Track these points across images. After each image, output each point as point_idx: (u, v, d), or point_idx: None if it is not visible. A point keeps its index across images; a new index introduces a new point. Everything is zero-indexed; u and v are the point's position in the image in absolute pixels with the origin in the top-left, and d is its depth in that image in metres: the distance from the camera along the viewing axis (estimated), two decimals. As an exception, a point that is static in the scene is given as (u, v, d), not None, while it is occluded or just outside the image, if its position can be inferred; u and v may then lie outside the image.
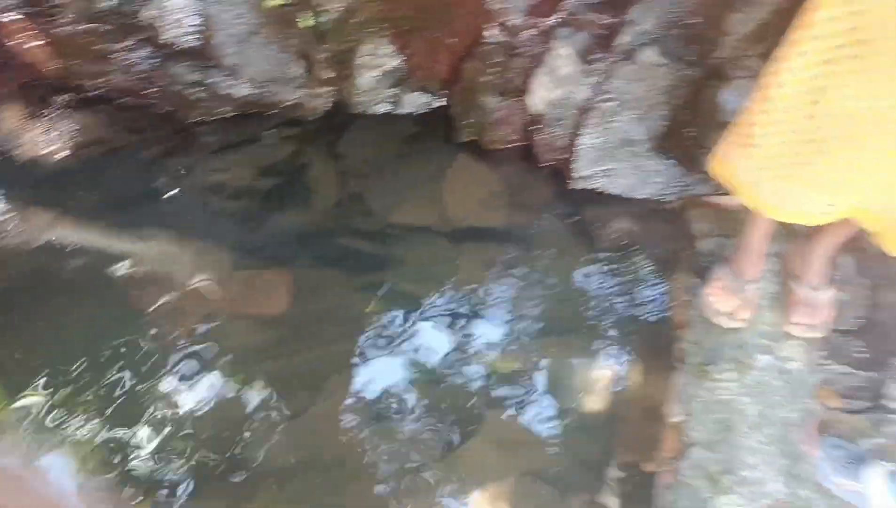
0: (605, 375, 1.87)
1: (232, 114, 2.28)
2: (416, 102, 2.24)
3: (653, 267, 2.00)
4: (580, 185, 2.06)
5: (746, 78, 1.75)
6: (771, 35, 1.66)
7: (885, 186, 1.29)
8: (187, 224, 2.12)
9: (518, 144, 2.16)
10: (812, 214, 1.38)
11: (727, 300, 1.73)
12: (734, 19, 1.72)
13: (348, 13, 2.03)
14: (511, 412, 1.81)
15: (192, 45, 2.06)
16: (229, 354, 1.88)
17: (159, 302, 1.96)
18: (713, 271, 1.78)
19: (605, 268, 2.02)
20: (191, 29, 2.04)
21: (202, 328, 1.92)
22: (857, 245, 1.81)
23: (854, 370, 1.95)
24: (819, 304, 1.70)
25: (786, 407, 1.66)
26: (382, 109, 2.26)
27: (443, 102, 2.24)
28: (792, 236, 1.78)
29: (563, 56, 1.93)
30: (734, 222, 1.85)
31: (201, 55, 2.10)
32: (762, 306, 1.76)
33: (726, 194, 1.76)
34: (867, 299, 1.91)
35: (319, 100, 2.22)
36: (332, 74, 2.16)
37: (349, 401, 1.82)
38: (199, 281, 2.00)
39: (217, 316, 1.94)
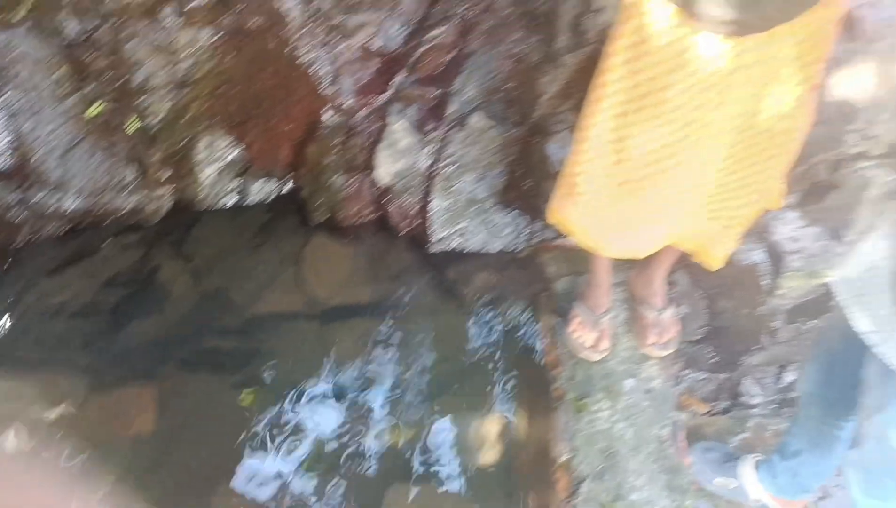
0: (495, 427, 1.90)
1: (64, 230, 2.13)
2: (263, 189, 2.22)
3: (519, 314, 2.09)
4: (438, 247, 2.13)
5: (565, 130, 1.91)
6: (577, 91, 1.84)
7: (691, 214, 1.46)
8: (27, 355, 1.93)
9: (373, 216, 2.19)
10: (639, 248, 1.52)
11: (588, 334, 1.84)
12: (543, 81, 1.89)
13: (177, 112, 2.00)
14: (413, 482, 1.78)
15: (7, 165, 1.92)
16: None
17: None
18: (571, 308, 1.90)
19: (477, 322, 2.08)
20: (3, 149, 1.90)
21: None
22: (688, 261, 2.01)
23: (710, 375, 2.13)
24: (665, 323, 1.85)
25: (657, 424, 1.78)
26: (230, 201, 2.22)
27: (292, 185, 2.24)
28: (632, 265, 1.94)
29: (400, 130, 2.01)
30: (581, 260, 1.99)
31: (20, 174, 1.96)
32: (619, 334, 1.89)
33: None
34: (706, 308, 2.11)
35: (159, 202, 2.13)
36: (170, 174, 2.09)
37: (244, 506, 1.72)
38: (52, 413, 1.82)
39: (79, 447, 1.76)
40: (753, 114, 1.29)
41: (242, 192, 2.20)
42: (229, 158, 2.12)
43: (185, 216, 2.21)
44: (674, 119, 1.29)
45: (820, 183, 1.95)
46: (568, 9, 1.86)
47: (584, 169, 1.45)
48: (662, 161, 1.34)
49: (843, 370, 1.34)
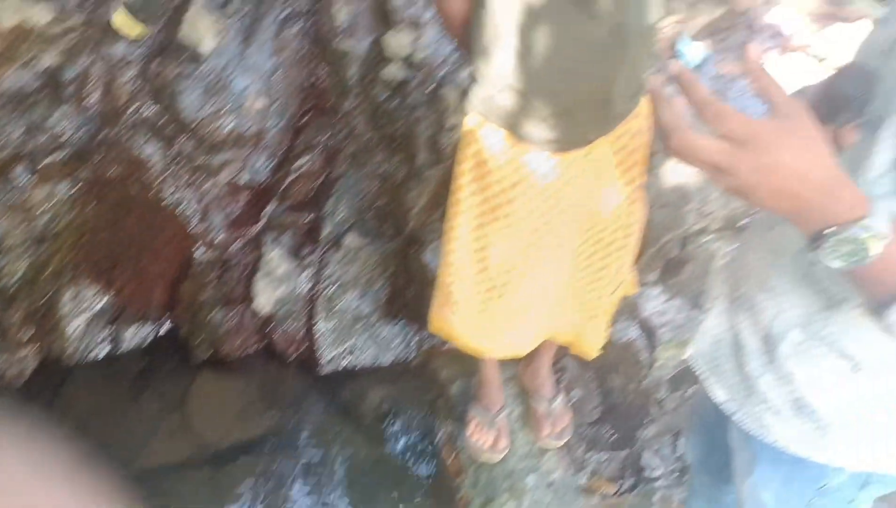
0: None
1: None
2: (138, 334, 2.13)
3: (418, 424, 2.07)
4: (329, 368, 2.11)
5: (438, 239, 2.00)
6: (443, 201, 1.94)
7: (557, 310, 1.55)
8: None
9: (258, 346, 2.15)
10: (517, 346, 1.59)
11: (485, 436, 1.85)
12: (411, 196, 1.99)
13: (37, 268, 1.91)
14: None
15: None
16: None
17: None
18: (468, 412, 1.91)
19: (377, 439, 2.04)
20: None
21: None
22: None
23: (612, 453, 2.18)
24: (557, 413, 1.90)
25: (564, 517, 1.79)
26: (102, 351, 2.10)
27: (169, 326, 2.16)
28: (517, 359, 2.00)
29: (276, 257, 2.02)
30: (472, 360, 2.03)
31: None
32: (515, 430, 1.91)
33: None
34: (598, 388, 2.19)
35: (21, 364, 1.99)
36: (33, 332, 1.97)
37: None
38: None
39: None
40: (592, 215, 1.42)
41: (115, 340, 2.10)
42: (97, 307, 2.03)
43: (54, 374, 2.07)
44: (523, 227, 1.39)
45: (673, 259, 2.13)
46: (423, 129, 1.99)
47: (454, 279, 1.52)
48: (520, 266, 1.43)
49: (722, 436, 1.41)
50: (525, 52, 1.21)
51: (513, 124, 1.29)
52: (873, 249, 0.66)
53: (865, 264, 0.67)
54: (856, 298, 0.87)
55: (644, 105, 1.38)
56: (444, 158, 1.97)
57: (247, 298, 2.04)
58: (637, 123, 1.37)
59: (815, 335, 0.94)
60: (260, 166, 2.02)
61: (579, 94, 1.23)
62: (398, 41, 2.06)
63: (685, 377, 2.18)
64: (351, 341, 2.10)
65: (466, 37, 1.30)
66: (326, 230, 2.06)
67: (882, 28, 0.89)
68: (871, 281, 0.71)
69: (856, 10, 2.62)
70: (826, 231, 0.66)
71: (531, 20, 1.18)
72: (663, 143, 0.65)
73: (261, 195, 2.04)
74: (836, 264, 0.68)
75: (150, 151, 1.91)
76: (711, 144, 0.63)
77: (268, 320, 2.08)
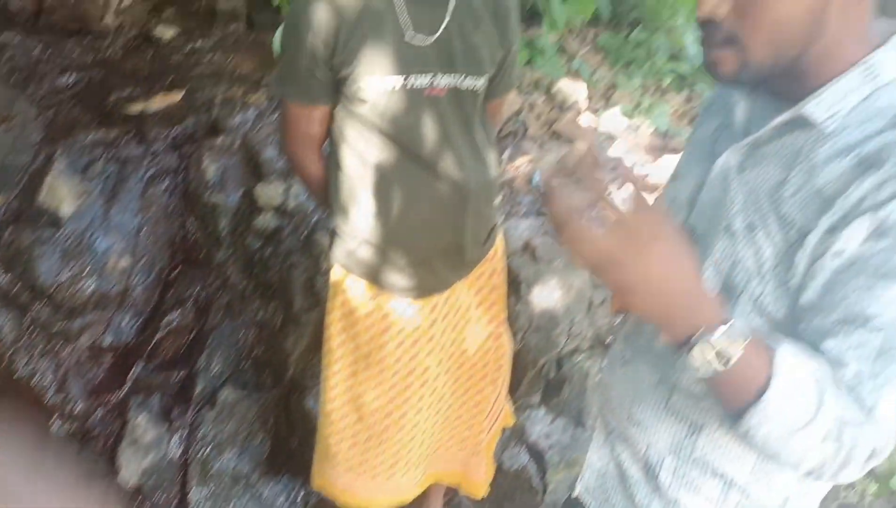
0: None
1: None
2: (-19, 527, 1.88)
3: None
4: (208, 538, 1.94)
5: (319, 384, 1.96)
6: (321, 346, 1.93)
7: (439, 451, 1.55)
8: None
9: (126, 524, 1.95)
10: (401, 493, 1.55)
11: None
12: (289, 341, 1.97)
13: None
14: None
15: None
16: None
17: None
18: (360, 568, 1.80)
19: None
20: None
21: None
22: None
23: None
24: (453, 557, 1.84)
25: None
26: (-66, 554, 1.82)
27: (20, 512, 1.92)
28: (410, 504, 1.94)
29: (142, 423, 1.89)
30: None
31: None
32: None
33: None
34: (496, 522, 2.14)
35: None
36: None
37: None
38: None
39: None
40: (462, 353, 1.47)
41: (-48, 538, 1.83)
42: (-70, 502, 1.78)
43: None
44: (396, 371, 1.41)
45: (552, 380, 2.21)
46: (299, 274, 2.01)
47: (333, 430, 1.49)
48: (397, 411, 1.44)
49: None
50: (379, 209, 1.28)
51: (374, 275, 1.34)
52: (736, 352, 0.69)
53: (730, 367, 0.69)
54: (714, 421, 0.94)
55: (498, 247, 1.48)
56: (321, 301, 1.98)
57: (111, 471, 1.87)
58: (492, 265, 1.46)
59: (686, 460, 0.97)
60: (125, 326, 1.93)
61: (432, 245, 1.31)
62: (269, 191, 2.12)
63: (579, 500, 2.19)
64: (230, 506, 1.95)
65: (325, 196, 1.37)
66: (199, 387, 1.96)
67: (676, 183, 1.02)
68: (731, 387, 0.73)
69: (682, 141, 3.02)
70: (693, 337, 0.69)
71: (382, 181, 1.27)
72: (557, 235, 0.68)
73: (126, 356, 1.93)
74: (704, 371, 0.70)
75: (1, 321, 1.78)
76: (601, 234, 0.66)
77: (135, 493, 1.90)
